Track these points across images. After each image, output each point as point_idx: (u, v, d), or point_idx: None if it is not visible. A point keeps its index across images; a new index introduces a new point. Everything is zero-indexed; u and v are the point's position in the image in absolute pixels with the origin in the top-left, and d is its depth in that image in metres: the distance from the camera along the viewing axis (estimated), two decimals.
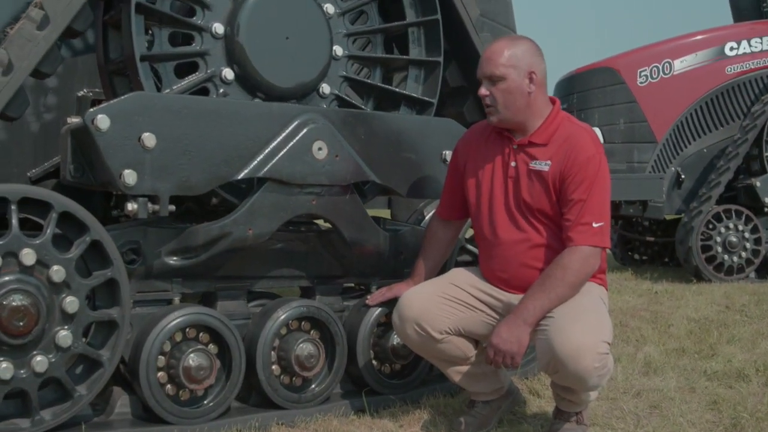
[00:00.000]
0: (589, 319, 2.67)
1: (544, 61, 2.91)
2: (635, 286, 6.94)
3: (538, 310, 2.70)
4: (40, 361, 2.61)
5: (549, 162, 2.84)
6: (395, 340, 3.24)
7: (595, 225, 2.75)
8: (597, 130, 7.33)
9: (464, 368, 3.00)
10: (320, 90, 3.33)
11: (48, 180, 3.91)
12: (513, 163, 2.91)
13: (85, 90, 4.13)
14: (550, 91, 8.18)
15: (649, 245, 8.86)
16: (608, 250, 7.41)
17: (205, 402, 2.92)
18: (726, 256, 7.19)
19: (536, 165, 2.86)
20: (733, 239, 7.18)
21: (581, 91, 7.67)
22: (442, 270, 3.23)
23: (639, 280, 7.35)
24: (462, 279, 3.02)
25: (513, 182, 2.90)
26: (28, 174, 3.93)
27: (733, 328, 4.80)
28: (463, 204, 3.10)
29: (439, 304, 2.91)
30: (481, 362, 2.99)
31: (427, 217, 3.55)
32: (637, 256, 8.98)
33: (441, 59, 3.54)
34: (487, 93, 2.86)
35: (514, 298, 2.88)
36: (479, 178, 2.99)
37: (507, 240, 2.91)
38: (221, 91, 3.12)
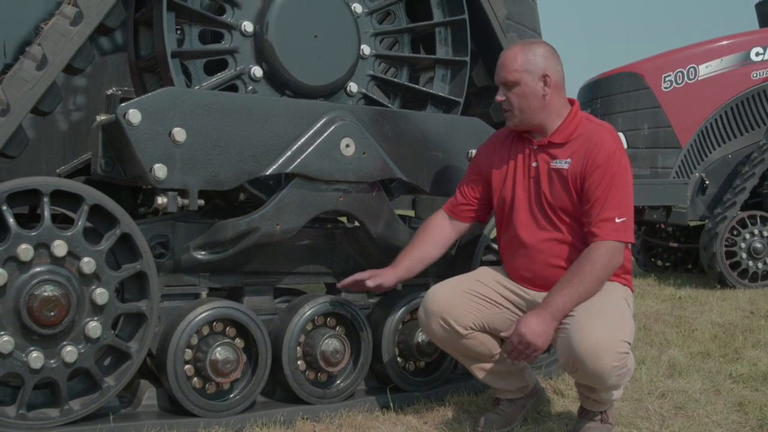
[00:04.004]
0: (609, 318, 2.66)
1: (561, 64, 2.96)
2: (658, 291, 6.90)
3: (567, 305, 2.69)
4: (69, 352, 2.65)
5: (569, 160, 2.87)
6: (420, 337, 3.25)
7: (617, 220, 2.76)
8: (621, 135, 7.27)
9: (489, 365, 3.00)
10: (348, 88, 3.36)
11: (77, 177, 3.95)
12: (534, 164, 2.94)
13: (113, 88, 4.17)
14: (574, 96, 8.13)
15: (673, 251, 8.80)
16: (632, 258, 7.30)
17: (231, 396, 2.94)
18: (751, 263, 7.12)
19: (556, 164, 2.89)
20: (758, 245, 7.12)
21: (605, 96, 7.63)
22: (467, 270, 3.23)
23: (662, 286, 7.30)
24: (488, 276, 3.03)
25: (534, 182, 2.93)
26: (57, 171, 3.97)
27: (758, 333, 4.77)
28: (474, 208, 3.12)
29: (465, 300, 2.92)
30: (505, 360, 2.99)
31: None
32: (660, 263, 8.92)
33: (468, 59, 3.56)
34: (503, 98, 2.91)
35: (539, 296, 2.89)
36: (502, 181, 3.02)
37: (531, 240, 2.93)
38: (250, 88, 3.15)
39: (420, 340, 3.26)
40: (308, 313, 3.08)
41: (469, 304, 2.92)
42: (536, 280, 2.95)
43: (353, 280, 3.05)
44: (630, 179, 2.86)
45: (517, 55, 2.89)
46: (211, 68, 3.13)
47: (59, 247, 2.63)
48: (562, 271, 2.82)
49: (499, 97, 2.91)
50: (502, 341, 3.01)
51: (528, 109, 2.88)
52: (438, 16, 3.55)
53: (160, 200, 2.79)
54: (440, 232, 3.13)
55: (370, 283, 3.00)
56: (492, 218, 3.25)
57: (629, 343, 2.67)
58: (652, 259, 8.94)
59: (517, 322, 2.73)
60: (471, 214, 3.13)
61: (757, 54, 7.52)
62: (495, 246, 3.65)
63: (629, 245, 2.88)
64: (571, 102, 2.98)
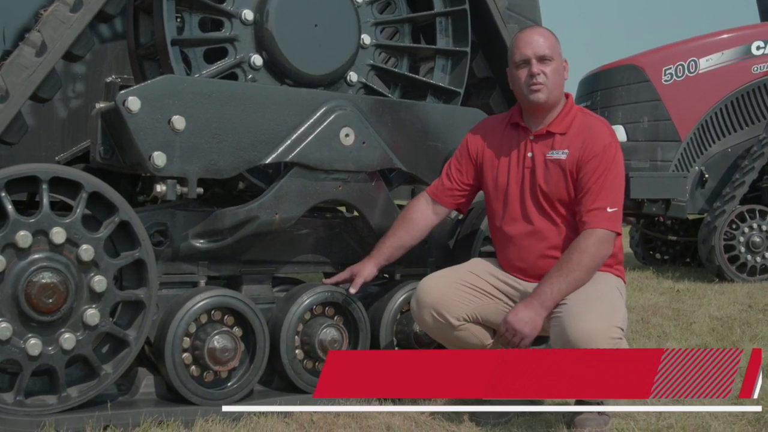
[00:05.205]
0: (602, 305, 2.70)
1: None
2: (657, 284, 6.90)
3: (556, 294, 2.72)
4: (67, 339, 2.65)
5: (566, 150, 2.90)
6: (418, 327, 3.25)
7: (609, 210, 2.81)
8: (620, 128, 7.29)
9: None
10: (348, 78, 3.35)
11: (76, 164, 3.94)
12: (529, 154, 2.96)
13: (113, 76, 4.16)
14: (574, 88, 8.09)
15: (671, 245, 8.80)
16: (630, 249, 7.22)
17: (229, 384, 2.95)
18: (749, 257, 7.12)
19: (553, 154, 2.91)
20: (757, 239, 7.11)
21: (605, 89, 7.61)
22: (461, 260, 3.23)
23: (660, 279, 7.30)
24: (481, 268, 3.04)
25: (529, 172, 2.95)
26: (56, 158, 3.97)
27: (756, 327, 4.76)
28: (461, 193, 3.13)
29: (457, 291, 2.93)
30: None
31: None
32: (658, 256, 8.92)
33: (468, 49, 3.55)
34: (539, 72, 2.89)
35: (531, 287, 2.90)
36: (495, 170, 3.03)
37: (524, 231, 2.95)
38: (250, 76, 3.14)
39: (418, 330, 3.26)
40: (306, 302, 3.08)
41: (462, 295, 2.93)
42: (529, 271, 2.97)
43: (336, 282, 3.13)
44: (623, 172, 2.91)
45: (546, 34, 2.95)
46: (211, 56, 3.12)
47: (58, 234, 2.63)
48: (555, 261, 2.84)
49: (536, 70, 2.89)
50: (494, 332, 3.02)
51: (557, 87, 2.93)
52: (439, 6, 3.54)
53: (159, 188, 2.79)
54: (423, 216, 3.14)
55: (353, 290, 3.07)
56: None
57: (622, 329, 2.70)
58: (651, 252, 8.94)
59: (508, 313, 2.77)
60: (456, 199, 3.14)
61: (758, 48, 7.51)
62: None
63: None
64: (566, 95, 3.02)
